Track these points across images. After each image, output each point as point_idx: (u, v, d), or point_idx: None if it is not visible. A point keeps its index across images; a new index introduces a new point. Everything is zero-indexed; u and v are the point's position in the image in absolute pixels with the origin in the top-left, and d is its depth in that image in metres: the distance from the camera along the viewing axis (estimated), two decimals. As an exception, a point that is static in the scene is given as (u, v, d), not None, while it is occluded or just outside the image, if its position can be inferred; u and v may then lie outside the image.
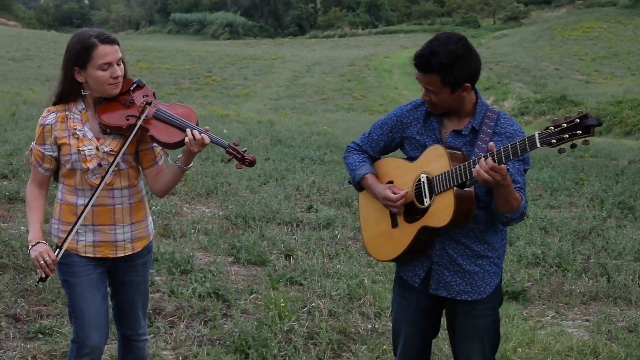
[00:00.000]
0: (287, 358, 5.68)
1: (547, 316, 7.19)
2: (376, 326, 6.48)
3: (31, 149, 4.16)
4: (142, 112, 4.10)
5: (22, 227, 8.60)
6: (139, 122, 4.07)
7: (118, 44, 4.09)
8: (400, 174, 4.15)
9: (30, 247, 4.03)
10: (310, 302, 6.87)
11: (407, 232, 4.03)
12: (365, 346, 6.03)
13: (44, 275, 4.01)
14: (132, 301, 4.44)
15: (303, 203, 10.99)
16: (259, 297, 6.97)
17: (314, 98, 41.64)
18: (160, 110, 4.16)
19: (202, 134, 4.03)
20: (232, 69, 56.47)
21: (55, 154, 4.12)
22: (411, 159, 4.13)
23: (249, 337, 5.86)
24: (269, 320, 6.22)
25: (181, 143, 4.09)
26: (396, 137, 4.25)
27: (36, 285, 3.78)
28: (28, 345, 5.74)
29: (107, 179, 4.06)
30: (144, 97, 4.20)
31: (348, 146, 4.51)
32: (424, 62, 3.78)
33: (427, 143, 4.05)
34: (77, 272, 4.19)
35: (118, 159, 4.07)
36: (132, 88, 4.21)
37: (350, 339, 6.22)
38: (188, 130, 4.03)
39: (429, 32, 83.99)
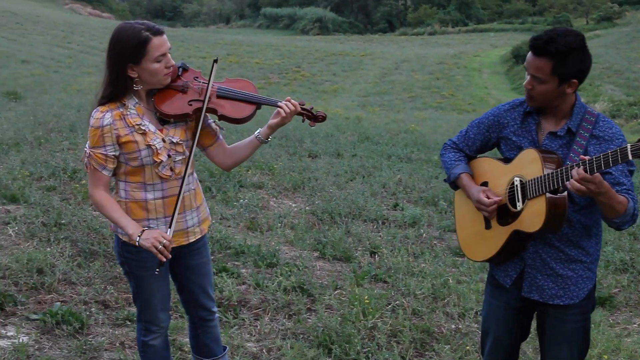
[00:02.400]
0: (370, 355, 5.71)
1: (634, 324, 7.08)
2: (460, 326, 6.47)
3: (88, 155, 4.08)
4: (204, 94, 4.14)
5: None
6: (205, 104, 4.11)
7: (165, 33, 4.09)
8: (495, 175, 4.14)
9: (138, 238, 4.00)
10: (395, 300, 6.89)
11: (500, 235, 4.03)
12: (449, 346, 6.03)
13: (164, 260, 4.03)
14: (202, 284, 4.53)
15: (389, 201, 10.99)
16: (343, 293, 7.00)
17: (402, 96, 41.52)
18: (222, 89, 4.20)
19: (292, 102, 4.11)
20: (321, 64, 56.61)
21: (117, 153, 4.09)
22: (506, 160, 4.12)
23: (333, 333, 5.91)
24: (353, 316, 6.25)
25: (252, 116, 4.17)
26: (492, 137, 4.25)
27: (156, 272, 3.82)
28: (116, 332, 5.90)
29: (190, 168, 4.18)
30: (195, 79, 4.23)
31: (445, 143, 4.52)
32: (541, 44, 3.76)
33: (523, 144, 4.03)
34: (147, 267, 4.25)
35: (194, 146, 4.17)
36: (179, 73, 4.23)
37: (434, 338, 6.22)
38: (282, 102, 4.10)
39: (519, 31, 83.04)
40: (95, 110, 4.08)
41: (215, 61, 4.21)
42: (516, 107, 4.16)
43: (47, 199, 9.12)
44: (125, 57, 3.99)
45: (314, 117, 4.21)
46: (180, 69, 4.23)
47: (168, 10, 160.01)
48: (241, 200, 10.02)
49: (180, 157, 4.18)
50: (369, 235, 8.94)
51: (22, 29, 61.70)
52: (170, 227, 4.09)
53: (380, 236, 9.06)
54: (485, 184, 4.18)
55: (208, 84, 4.13)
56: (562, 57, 3.74)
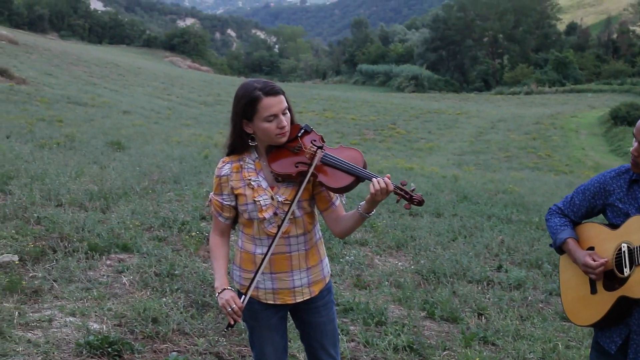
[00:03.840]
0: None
1: None
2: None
3: (210, 200, 4.29)
4: (312, 159, 4.14)
5: (223, 269, 8.93)
6: (311, 170, 4.11)
7: (283, 94, 4.13)
8: (601, 240, 4.12)
9: (217, 294, 4.16)
10: (505, 364, 6.85)
11: (605, 300, 4.01)
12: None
13: (232, 323, 4.11)
14: (321, 342, 4.53)
15: (492, 262, 10.91)
16: (453, 354, 6.97)
17: (498, 155, 41.26)
18: (328, 155, 4.17)
19: (385, 180, 3.99)
20: (416, 122, 56.69)
21: (233, 204, 4.24)
22: (613, 226, 4.10)
23: (446, 394, 5.89)
24: (465, 378, 6.22)
25: (350, 187, 4.12)
26: (598, 204, 4.24)
27: (224, 332, 3.90)
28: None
29: (284, 228, 4.15)
30: (311, 142, 4.24)
31: (550, 209, 4.52)
32: None
33: (630, 212, 4.01)
34: (258, 318, 4.37)
35: (293, 207, 4.16)
36: (299, 134, 4.26)
37: (546, 403, 6.16)
38: (374, 181, 4.00)
39: (618, 92, 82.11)
40: (220, 159, 4.29)
41: (320, 147, 4.22)
42: (622, 174, 4.14)
43: (159, 249, 9.33)
44: (240, 112, 4.12)
45: (410, 199, 4.04)
46: (302, 131, 4.28)
47: (265, 65, 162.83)
48: (346, 257, 10.08)
49: (291, 217, 4.23)
50: (475, 297, 8.88)
51: (124, 80, 63.43)
52: (245, 295, 4.16)
53: (486, 298, 9.00)
54: (591, 249, 4.17)
55: (315, 154, 4.15)
56: None
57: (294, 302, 4.37)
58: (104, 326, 6.72)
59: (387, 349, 6.86)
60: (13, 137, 20.29)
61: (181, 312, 7.15)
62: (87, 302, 7.32)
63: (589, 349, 7.16)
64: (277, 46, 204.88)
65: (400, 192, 4.03)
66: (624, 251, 3.90)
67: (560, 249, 4.34)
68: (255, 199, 4.15)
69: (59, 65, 63.68)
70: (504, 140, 47.65)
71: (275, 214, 4.17)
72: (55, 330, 6.57)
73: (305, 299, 4.40)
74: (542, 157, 40.66)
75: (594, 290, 4.11)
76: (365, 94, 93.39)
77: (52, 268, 8.22)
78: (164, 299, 7.48)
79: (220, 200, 4.22)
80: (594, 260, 4.01)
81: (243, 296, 4.15)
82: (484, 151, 42.70)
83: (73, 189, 12.40)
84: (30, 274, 7.97)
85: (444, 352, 7.02)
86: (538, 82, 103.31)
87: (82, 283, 7.86)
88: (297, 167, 4.16)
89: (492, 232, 12.93)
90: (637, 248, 3.80)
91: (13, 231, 9.35)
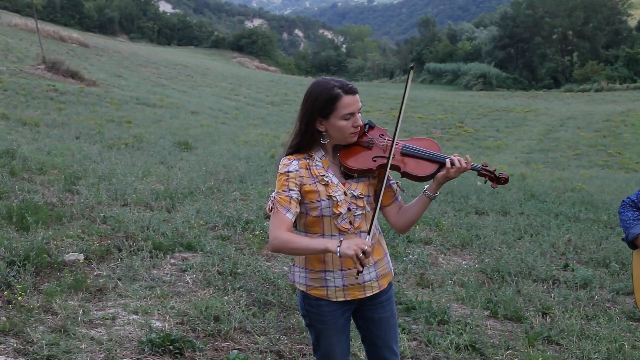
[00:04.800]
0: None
1: None
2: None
3: (273, 198, 4.15)
4: (388, 151, 4.15)
5: (285, 267, 8.96)
6: (390, 160, 4.11)
7: (358, 93, 4.13)
8: None
9: (338, 248, 3.84)
10: (570, 364, 6.76)
11: None
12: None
13: (361, 269, 3.84)
14: (385, 338, 4.50)
15: (559, 261, 10.77)
16: (516, 353, 6.89)
17: (567, 153, 40.72)
18: (407, 147, 4.21)
19: (465, 159, 4.06)
20: (484, 120, 56.23)
21: (300, 198, 4.15)
22: None
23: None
24: (528, 378, 6.15)
25: (433, 175, 4.14)
26: None
27: (356, 278, 3.80)
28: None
29: (356, 223, 4.18)
30: (380, 136, 4.27)
31: (623, 201, 4.45)
32: None
33: None
34: (326, 320, 4.33)
35: (367, 208, 4.19)
36: (366, 130, 4.28)
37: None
38: (450, 158, 4.07)
39: None
40: (283, 158, 4.22)
41: (412, 68, 4.25)
42: None
43: (222, 248, 9.40)
44: (315, 110, 4.09)
45: (497, 179, 4.15)
46: (367, 127, 4.29)
47: (333, 65, 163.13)
48: (410, 256, 10.04)
49: (360, 212, 4.20)
50: (540, 296, 8.77)
51: (192, 81, 64.00)
52: (368, 234, 4.05)
53: (551, 297, 8.89)
54: None
55: (393, 139, 4.15)
56: None
57: (363, 296, 4.35)
58: (166, 324, 6.80)
59: (449, 348, 6.81)
60: (82, 138, 20.62)
61: (243, 311, 7.19)
62: (150, 301, 7.41)
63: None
64: (344, 46, 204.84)
65: (486, 173, 4.16)
66: None
67: (633, 243, 4.27)
68: (331, 194, 4.12)
69: (129, 67, 64.56)
70: (573, 138, 47.03)
71: (348, 209, 4.17)
72: (119, 328, 6.65)
73: (374, 292, 4.38)
74: (613, 154, 40.00)
75: None
76: (433, 92, 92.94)
77: (117, 267, 8.34)
78: (226, 298, 7.54)
79: (289, 195, 4.10)
80: None
81: (367, 235, 4.04)
82: (552, 149, 42.18)
83: (139, 189, 12.57)
84: (95, 273, 8.09)
85: (507, 352, 6.94)
86: (608, 79, 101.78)
87: (146, 282, 7.96)
88: (375, 161, 4.16)
89: (559, 230, 12.77)
90: None
91: (79, 230, 9.50)
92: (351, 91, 4.07)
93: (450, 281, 9.18)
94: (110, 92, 39.63)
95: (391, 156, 4.12)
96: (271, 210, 4.15)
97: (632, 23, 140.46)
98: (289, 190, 4.11)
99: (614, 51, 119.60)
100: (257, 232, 10.27)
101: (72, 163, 14.66)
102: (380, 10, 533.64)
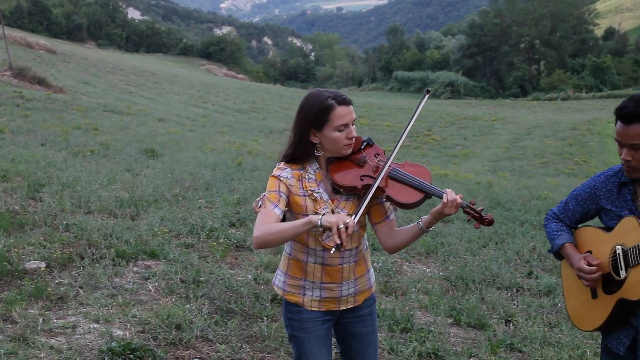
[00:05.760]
0: None
1: None
2: (599, 401, 6.30)
3: (263, 196, 4.11)
4: (378, 173, 4.08)
5: (249, 275, 8.93)
6: (376, 183, 4.04)
7: (352, 104, 4.10)
8: (597, 244, 4.13)
9: (320, 217, 3.76)
10: (531, 371, 6.78)
11: (606, 304, 4.01)
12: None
13: (339, 242, 3.70)
14: (364, 354, 4.48)
15: (523, 268, 10.82)
16: (478, 361, 6.94)
17: (534, 161, 40.96)
18: (396, 170, 4.13)
19: (456, 197, 3.93)
20: (451, 128, 56.53)
21: (287, 201, 4.12)
22: (608, 228, 4.11)
23: (469, 401, 5.84)
24: (489, 385, 6.17)
25: (419, 203, 4.06)
26: (591, 208, 4.26)
27: (331, 252, 3.73)
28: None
29: (359, 217, 4.02)
30: (375, 156, 4.20)
31: (547, 214, 4.54)
32: (631, 110, 3.72)
33: (623, 213, 4.02)
34: (306, 328, 4.30)
35: (356, 227, 4.09)
36: (362, 147, 4.22)
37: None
38: (447, 191, 3.96)
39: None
40: (279, 162, 4.20)
41: (428, 91, 4.25)
42: (610, 178, 4.14)
43: (186, 256, 9.35)
44: (309, 121, 4.07)
45: (481, 219, 4.02)
46: (365, 143, 4.25)
47: (301, 73, 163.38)
48: (375, 264, 10.03)
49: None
50: (504, 303, 8.80)
51: (159, 88, 63.86)
52: (355, 216, 3.93)
53: (514, 304, 8.92)
54: (589, 252, 4.16)
55: (386, 163, 4.11)
56: None
57: (337, 309, 4.35)
58: (127, 333, 6.75)
59: (412, 356, 6.82)
60: (48, 145, 20.48)
61: (205, 319, 7.16)
62: (111, 309, 7.35)
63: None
64: (313, 53, 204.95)
65: (471, 211, 4.02)
66: (619, 253, 3.89)
67: (559, 254, 4.32)
68: (317, 212, 4.09)
69: (96, 74, 64.24)
70: (540, 146, 47.33)
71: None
72: (79, 336, 6.60)
73: (349, 307, 4.38)
74: (579, 163, 40.28)
75: (594, 295, 4.12)
76: (401, 100, 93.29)
77: (79, 275, 8.27)
78: (189, 306, 7.50)
79: (278, 193, 4.08)
80: (588, 265, 4.00)
81: (353, 216, 3.91)
82: (519, 157, 42.42)
83: (104, 196, 12.49)
84: (57, 281, 8.02)
85: (470, 359, 6.97)
86: (575, 88, 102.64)
87: (108, 290, 7.90)
88: (362, 180, 4.12)
89: (524, 238, 12.83)
90: (631, 250, 3.80)
91: (41, 238, 9.43)
92: (345, 102, 4.05)
93: (414, 289, 9.18)
94: (77, 99, 39.41)
95: (379, 179, 4.07)
96: (259, 208, 4.10)
97: (599, 32, 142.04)
98: (279, 191, 4.09)
99: (580, 60, 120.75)
100: (221, 240, 10.22)
101: (36, 170, 14.55)
102: (349, 18, 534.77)
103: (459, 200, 3.93)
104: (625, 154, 3.82)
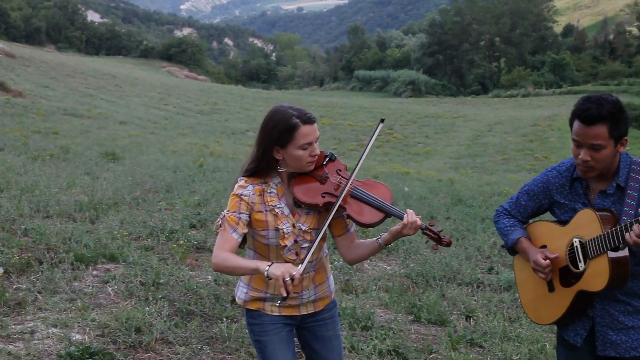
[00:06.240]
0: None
1: None
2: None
3: (223, 216, 4.15)
4: (340, 191, 4.10)
5: (210, 276, 8.90)
6: (338, 202, 4.07)
7: (316, 122, 4.10)
8: (553, 238, 4.15)
9: (267, 268, 3.88)
10: (491, 366, 6.81)
11: (564, 297, 4.02)
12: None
13: (285, 295, 3.82)
14: (328, 359, 4.48)
15: (484, 264, 10.87)
16: (439, 357, 6.94)
17: (495, 158, 41.27)
18: (358, 190, 4.15)
19: (416, 219, 3.94)
20: (413, 126, 56.75)
21: (248, 220, 4.14)
22: (562, 222, 4.12)
23: (429, 397, 5.85)
24: (449, 381, 6.18)
25: (378, 224, 4.08)
26: (544, 203, 4.28)
27: (278, 305, 3.76)
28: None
29: (310, 258, 4.06)
30: (337, 172, 4.22)
31: (497, 210, 4.54)
32: (593, 112, 3.74)
33: (577, 207, 4.05)
34: (268, 331, 4.30)
35: (316, 244, 4.10)
36: (324, 162, 4.22)
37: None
38: (408, 213, 3.96)
39: (615, 93, 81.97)
40: (240, 178, 4.19)
41: (382, 120, 4.25)
42: (563, 172, 4.16)
43: (146, 258, 9.29)
44: (273, 138, 4.04)
45: (439, 240, 4.04)
46: (327, 159, 4.25)
47: (263, 73, 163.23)
48: (335, 262, 10.03)
49: (307, 244, 4.18)
50: (464, 299, 8.84)
51: (120, 91, 63.50)
52: (302, 263, 3.99)
53: (475, 300, 8.97)
54: (543, 247, 4.17)
55: (347, 182, 4.12)
56: (617, 117, 3.76)
57: (298, 314, 4.37)
58: (86, 337, 6.70)
59: (372, 354, 6.82)
60: (7, 149, 20.30)
61: (165, 321, 7.11)
62: (70, 313, 7.28)
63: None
64: (274, 54, 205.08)
65: (430, 233, 4.05)
66: (576, 246, 3.91)
67: (513, 249, 4.33)
68: (278, 227, 4.11)
69: (56, 78, 63.75)
70: (501, 142, 47.67)
71: (295, 241, 4.16)
72: (37, 342, 6.53)
73: (309, 312, 4.39)
74: (539, 159, 40.62)
75: (551, 289, 4.12)
76: (363, 99, 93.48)
77: (37, 279, 8.19)
78: (148, 308, 7.44)
79: (237, 216, 4.11)
80: (545, 259, 4.02)
81: (300, 265, 3.98)
82: (481, 154, 42.72)
83: (63, 200, 12.39)
84: (15, 286, 7.94)
85: (430, 356, 6.99)
86: (535, 85, 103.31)
87: (67, 294, 7.82)
88: (323, 197, 4.13)
89: (485, 234, 12.89)
90: (589, 242, 3.82)
91: (-1, 243, 9.33)
92: (309, 121, 4.04)
93: (375, 287, 9.19)
94: (37, 103, 39.15)
95: (341, 198, 4.08)
96: (220, 228, 4.14)
97: (558, 29, 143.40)
98: (239, 212, 4.11)
99: (540, 57, 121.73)
100: (181, 242, 10.18)
101: (-6, 175, 14.42)
102: (309, 18, 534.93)
103: (419, 222, 3.95)
104: (584, 154, 3.83)
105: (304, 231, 4.15)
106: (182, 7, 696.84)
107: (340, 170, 4.23)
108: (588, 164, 3.86)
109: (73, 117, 36.26)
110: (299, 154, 4.04)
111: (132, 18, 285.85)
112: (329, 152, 4.29)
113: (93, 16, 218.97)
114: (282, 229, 4.10)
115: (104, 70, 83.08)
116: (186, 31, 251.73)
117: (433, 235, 4.05)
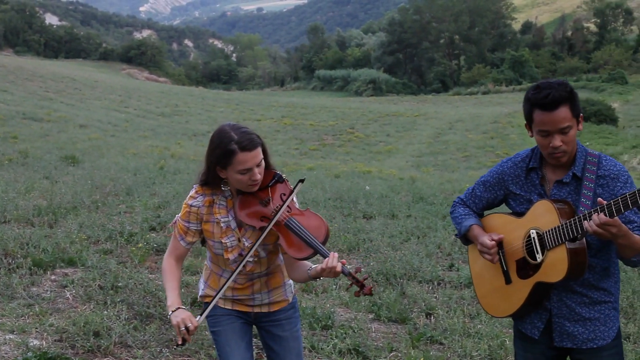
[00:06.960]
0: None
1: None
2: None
3: (175, 222, 4.26)
4: (273, 217, 4.11)
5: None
6: (268, 228, 4.09)
7: (261, 145, 4.08)
8: (509, 230, 4.15)
9: (171, 312, 4.03)
10: (451, 362, 6.83)
11: (522, 288, 4.03)
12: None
13: (181, 342, 3.95)
14: (285, 359, 4.49)
15: (444, 261, 10.90)
16: (399, 355, 6.96)
17: (456, 155, 41.43)
18: (292, 221, 4.13)
19: (336, 265, 3.95)
20: (374, 125, 56.84)
21: (199, 230, 4.24)
22: (518, 214, 4.14)
23: (389, 395, 5.86)
24: (409, 378, 6.19)
25: (306, 259, 4.08)
26: (499, 194, 4.30)
27: (175, 349, 3.81)
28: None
29: (241, 267, 4.14)
30: (281, 196, 4.21)
31: (454, 201, 4.56)
32: (555, 96, 3.78)
33: (533, 198, 4.07)
34: (221, 322, 4.37)
35: (247, 258, 4.15)
36: (271, 184, 4.23)
37: (491, 400, 6.14)
38: (331, 256, 3.98)
39: (574, 89, 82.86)
40: (193, 187, 4.26)
41: (302, 181, 4.21)
42: (518, 163, 4.18)
43: (104, 262, 9.24)
44: (214, 159, 4.06)
45: (361, 287, 4.03)
46: (274, 180, 4.25)
47: (223, 74, 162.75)
48: (297, 262, 10.02)
49: (252, 258, 4.21)
50: (425, 297, 8.86)
51: (80, 94, 62.97)
52: (201, 315, 4.10)
53: (435, 297, 8.99)
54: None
55: (277, 212, 4.12)
56: (572, 96, 3.85)
57: (251, 311, 4.41)
58: (44, 342, 6.64)
59: (332, 353, 6.82)
60: (-37, 155, 20.09)
61: (123, 325, 7.06)
62: (28, 319, 7.22)
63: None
64: (234, 55, 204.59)
65: (353, 280, 4.03)
66: (534, 237, 3.92)
67: (466, 237, 4.33)
68: (222, 240, 4.17)
69: (14, 82, 63.08)
70: (462, 140, 47.88)
71: (240, 254, 4.19)
72: (-6, 348, 6.46)
73: (262, 311, 4.42)
74: (500, 155, 40.77)
75: (508, 281, 4.12)
76: (324, 99, 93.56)
77: (-6, 286, 8.10)
78: (107, 312, 7.38)
79: (187, 225, 4.21)
80: (491, 240, 4.03)
81: (199, 316, 4.07)
82: (442, 152, 42.87)
83: (21, 205, 12.28)
84: (-29, 293, 7.85)
85: (391, 354, 7.00)
86: (495, 82, 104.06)
87: (24, 299, 7.75)
88: (262, 221, 4.16)
89: (446, 231, 12.93)
90: (546, 233, 3.84)
91: (-46, 250, 9.22)
92: (247, 148, 4.00)
93: (335, 286, 9.19)
94: (-6, 108, 38.74)
95: (269, 227, 4.10)
96: (173, 230, 4.29)
97: (516, 26, 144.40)
98: (189, 222, 4.21)
99: (499, 54, 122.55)
100: (140, 245, 10.11)
101: (-50, 181, 14.26)
102: (269, 18, 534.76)
103: (339, 268, 3.96)
104: (556, 141, 3.83)
105: (248, 247, 4.17)
106: (141, 9, 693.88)
107: (284, 195, 4.22)
108: (561, 149, 3.87)
109: (32, 121, 35.94)
110: (238, 178, 4.06)
111: (91, 20, 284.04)
112: (278, 173, 4.28)
113: (51, 19, 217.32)
114: (225, 243, 4.18)
115: (63, 74, 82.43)
116: (146, 33, 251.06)
117: (356, 282, 4.03)
